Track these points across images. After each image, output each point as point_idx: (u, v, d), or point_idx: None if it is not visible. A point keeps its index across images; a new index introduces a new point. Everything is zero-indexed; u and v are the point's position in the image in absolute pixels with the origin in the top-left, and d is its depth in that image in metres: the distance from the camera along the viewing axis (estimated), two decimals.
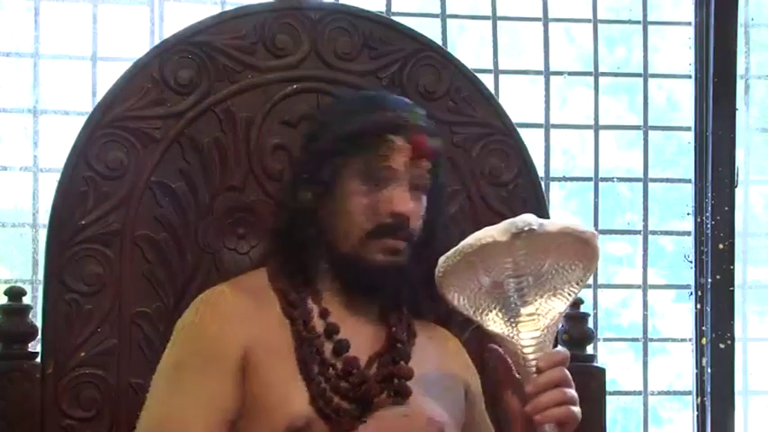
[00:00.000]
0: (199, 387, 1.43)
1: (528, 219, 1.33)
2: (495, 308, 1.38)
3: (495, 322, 1.38)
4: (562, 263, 1.38)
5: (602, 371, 1.88)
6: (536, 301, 1.38)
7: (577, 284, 1.40)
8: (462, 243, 1.35)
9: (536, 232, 1.33)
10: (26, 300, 1.79)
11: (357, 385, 1.44)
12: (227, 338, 1.45)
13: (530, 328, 1.37)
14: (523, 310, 1.37)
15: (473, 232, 1.37)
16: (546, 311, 1.38)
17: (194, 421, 1.41)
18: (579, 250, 1.38)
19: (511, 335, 1.37)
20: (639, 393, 2.40)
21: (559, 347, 1.38)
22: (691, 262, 2.39)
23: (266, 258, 1.61)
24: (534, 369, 1.35)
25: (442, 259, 1.37)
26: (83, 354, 1.67)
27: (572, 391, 1.37)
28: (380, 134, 1.49)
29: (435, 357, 1.56)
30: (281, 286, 1.52)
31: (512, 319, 1.37)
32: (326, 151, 1.52)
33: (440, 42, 2.24)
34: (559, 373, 1.36)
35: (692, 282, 2.38)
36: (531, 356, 1.36)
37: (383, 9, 2.28)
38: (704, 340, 2.34)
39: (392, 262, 1.48)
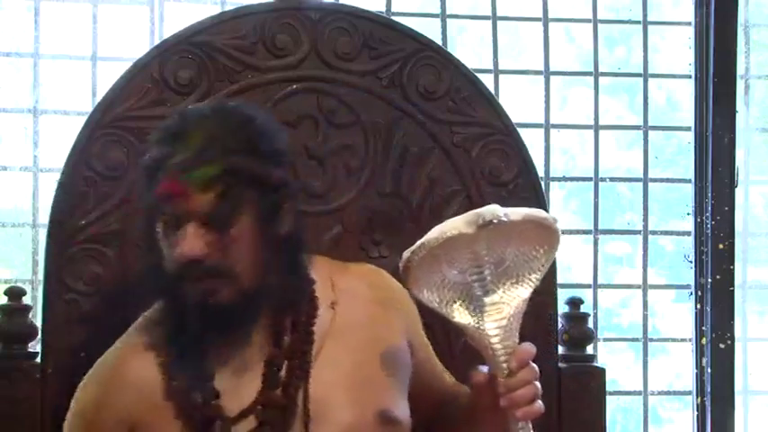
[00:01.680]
0: None
1: (495, 210, 1.32)
2: (459, 299, 1.38)
3: (460, 313, 1.38)
4: (523, 249, 1.38)
5: (602, 371, 1.88)
6: (499, 289, 1.37)
7: (539, 270, 1.39)
8: (427, 237, 1.33)
9: (504, 223, 1.32)
10: (26, 300, 1.80)
11: None
12: (104, 410, 1.45)
13: (495, 317, 1.36)
14: (487, 300, 1.37)
15: None
16: (510, 299, 1.37)
17: None
18: (540, 236, 1.38)
19: (477, 325, 1.37)
20: (639, 393, 2.40)
21: (525, 343, 1.37)
22: (691, 262, 2.38)
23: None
24: (503, 358, 1.35)
25: (406, 254, 1.35)
26: (83, 354, 1.67)
27: (538, 384, 1.37)
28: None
29: (355, 337, 1.49)
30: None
31: (476, 309, 1.37)
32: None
33: (440, 42, 2.24)
34: (531, 371, 1.36)
35: (692, 282, 2.38)
36: (498, 345, 1.36)
37: (383, 9, 2.28)
38: (704, 340, 2.34)
39: (211, 304, 1.37)
